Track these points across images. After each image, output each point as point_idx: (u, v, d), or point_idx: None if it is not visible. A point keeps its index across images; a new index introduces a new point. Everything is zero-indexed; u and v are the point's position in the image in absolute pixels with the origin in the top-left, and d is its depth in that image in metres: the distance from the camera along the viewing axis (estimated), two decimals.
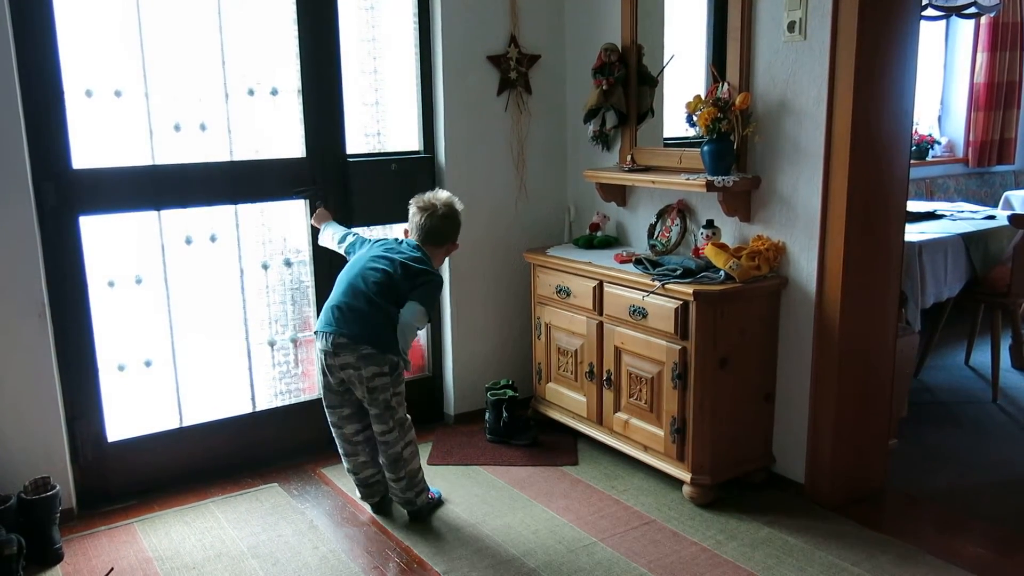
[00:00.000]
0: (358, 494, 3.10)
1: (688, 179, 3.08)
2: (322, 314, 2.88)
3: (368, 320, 2.80)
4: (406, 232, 3.09)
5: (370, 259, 2.89)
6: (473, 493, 3.17)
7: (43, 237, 2.88)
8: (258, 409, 3.45)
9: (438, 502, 3.09)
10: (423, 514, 3.00)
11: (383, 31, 3.54)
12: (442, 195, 3.02)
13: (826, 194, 2.85)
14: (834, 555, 2.68)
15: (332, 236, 3.15)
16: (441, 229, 2.98)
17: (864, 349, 2.98)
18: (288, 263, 3.45)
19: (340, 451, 3.04)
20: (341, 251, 3.11)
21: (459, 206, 3.03)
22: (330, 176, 3.42)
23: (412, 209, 3.00)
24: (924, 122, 6.28)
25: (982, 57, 6.02)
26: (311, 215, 3.34)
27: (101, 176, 2.99)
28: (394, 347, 2.83)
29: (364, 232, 3.36)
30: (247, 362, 3.41)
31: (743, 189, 3.06)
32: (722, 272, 2.94)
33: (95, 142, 2.99)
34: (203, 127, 3.18)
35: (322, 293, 3.40)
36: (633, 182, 3.42)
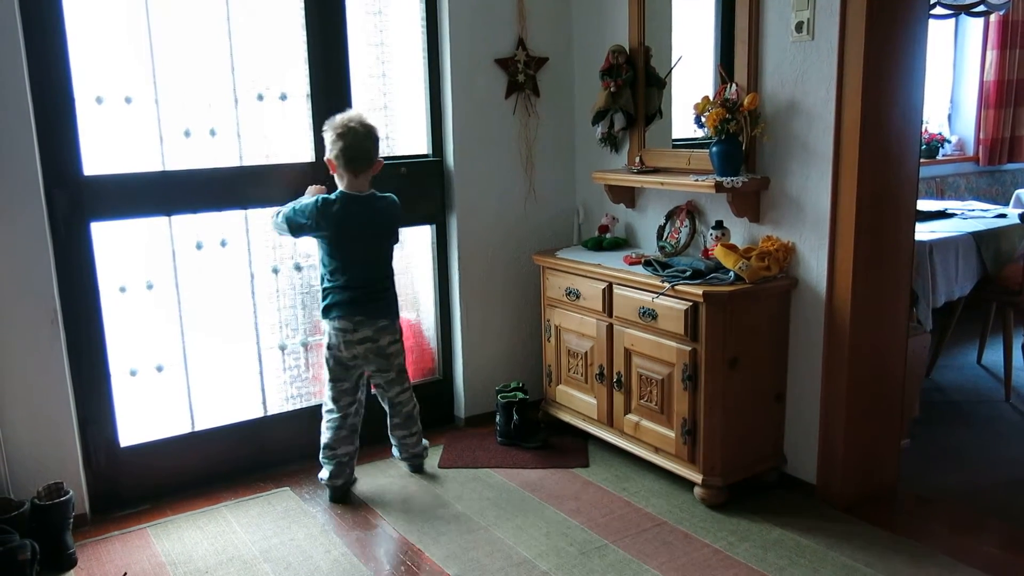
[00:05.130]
0: (324, 478, 3.17)
1: (697, 180, 3.08)
2: (336, 294, 3.04)
3: (381, 296, 3.10)
4: (331, 168, 3.05)
5: (365, 239, 3.05)
6: (484, 496, 3.17)
7: (55, 243, 2.89)
8: (269, 413, 3.46)
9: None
10: (423, 463, 3.40)
11: (391, 35, 3.55)
12: (351, 114, 3.05)
13: (835, 194, 2.84)
14: (847, 556, 2.67)
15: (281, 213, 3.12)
16: (370, 149, 3.03)
17: (875, 349, 2.97)
18: (298, 267, 3.46)
19: (329, 427, 3.15)
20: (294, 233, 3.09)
21: (370, 121, 3.05)
22: None
23: (330, 136, 3.01)
24: (934, 121, 6.25)
25: (992, 55, 5.99)
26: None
27: (112, 182, 3.01)
28: (398, 314, 3.20)
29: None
30: (258, 366, 3.42)
31: (752, 190, 3.06)
32: (732, 273, 2.93)
33: (106, 148, 3.00)
34: (213, 133, 3.20)
35: None
36: (642, 184, 3.42)
